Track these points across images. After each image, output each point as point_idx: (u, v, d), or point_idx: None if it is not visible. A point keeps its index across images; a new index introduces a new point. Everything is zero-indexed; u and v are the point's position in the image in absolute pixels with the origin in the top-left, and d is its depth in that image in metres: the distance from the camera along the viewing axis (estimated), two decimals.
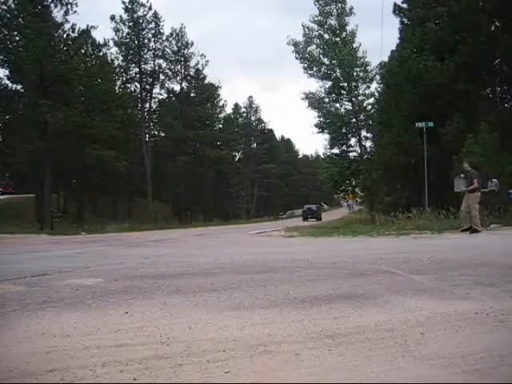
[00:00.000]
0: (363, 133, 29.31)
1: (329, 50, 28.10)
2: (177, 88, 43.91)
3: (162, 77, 41.76)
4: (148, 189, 38.14)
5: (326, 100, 29.40)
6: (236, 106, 60.57)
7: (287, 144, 79.68)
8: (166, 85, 42.70)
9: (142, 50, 39.47)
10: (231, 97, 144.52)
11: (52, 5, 26.67)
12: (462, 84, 18.84)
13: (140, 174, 39.66)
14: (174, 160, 42.08)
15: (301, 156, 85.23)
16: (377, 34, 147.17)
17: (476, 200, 10.61)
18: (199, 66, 44.16)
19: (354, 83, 28.70)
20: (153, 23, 39.61)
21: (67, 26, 27.57)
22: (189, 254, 7.33)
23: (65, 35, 27.88)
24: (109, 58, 36.31)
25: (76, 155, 29.75)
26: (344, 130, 29.23)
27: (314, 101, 29.14)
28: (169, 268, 5.11)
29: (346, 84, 28.70)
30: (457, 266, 4.64)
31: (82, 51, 28.90)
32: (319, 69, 28.89)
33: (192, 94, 44.89)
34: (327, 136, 29.80)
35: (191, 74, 44.24)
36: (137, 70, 39.88)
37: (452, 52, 19.49)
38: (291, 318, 2.60)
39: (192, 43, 42.55)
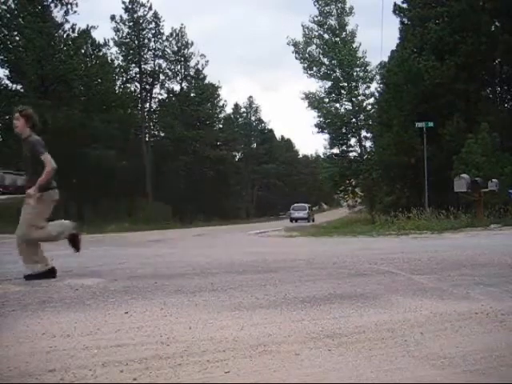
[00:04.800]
0: (363, 133, 29.48)
1: (329, 50, 28.19)
2: (177, 88, 43.94)
3: (162, 77, 41.79)
4: (148, 189, 38.13)
5: (326, 100, 29.51)
6: (236, 106, 60.58)
7: (287, 144, 79.55)
8: (166, 85, 42.73)
9: (142, 49, 39.48)
10: (231, 97, 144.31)
11: (52, 5, 26.74)
12: (461, 84, 18.86)
13: (140, 174, 39.65)
14: (174, 160, 42.08)
15: (301, 156, 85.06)
16: (377, 34, 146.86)
17: (42, 209, 4.64)
18: (199, 66, 44.18)
19: (353, 83, 28.80)
20: (153, 23, 39.61)
21: (67, 26, 27.62)
22: (189, 254, 7.34)
23: (65, 35, 27.90)
24: (109, 58, 36.19)
25: (76, 155, 29.73)
26: (344, 130, 29.35)
27: (313, 101, 29.25)
28: (169, 268, 5.11)
29: (345, 84, 28.80)
30: (457, 266, 4.64)
31: (82, 51, 28.87)
32: (319, 69, 29.00)
33: (192, 94, 44.85)
34: (327, 136, 29.97)
35: (191, 73, 44.24)
36: (137, 70, 39.88)
37: (452, 52, 19.51)
38: (291, 318, 2.60)
39: (192, 43, 42.60)
